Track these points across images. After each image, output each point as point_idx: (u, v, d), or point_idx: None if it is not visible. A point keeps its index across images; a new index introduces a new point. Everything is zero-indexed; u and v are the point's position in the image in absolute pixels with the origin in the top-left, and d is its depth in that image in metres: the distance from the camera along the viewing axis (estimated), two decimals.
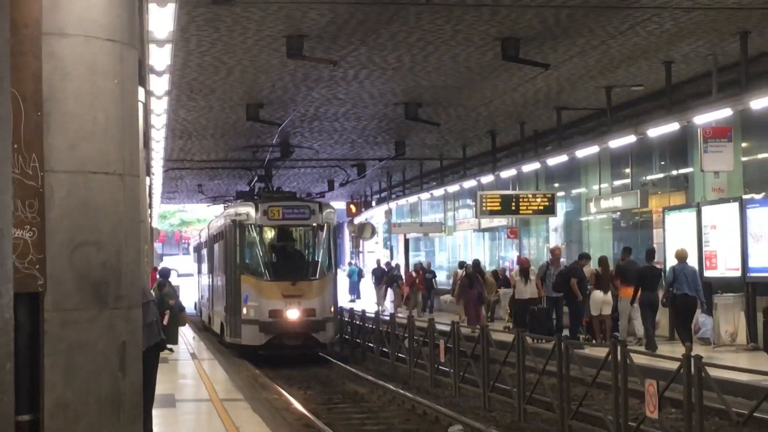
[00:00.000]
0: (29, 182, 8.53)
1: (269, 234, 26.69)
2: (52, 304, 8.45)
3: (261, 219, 25.68)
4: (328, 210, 27.58)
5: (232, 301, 26.86)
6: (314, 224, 26.61)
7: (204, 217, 62.73)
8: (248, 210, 26.30)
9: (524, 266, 28.96)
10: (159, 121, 24.26)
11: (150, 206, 32.06)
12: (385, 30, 18.40)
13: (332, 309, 26.76)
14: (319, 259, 26.43)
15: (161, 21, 13.92)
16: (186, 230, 72.80)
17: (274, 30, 18.05)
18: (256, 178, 34.17)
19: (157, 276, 27.43)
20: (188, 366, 22.22)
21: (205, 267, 39.74)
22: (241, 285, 25.64)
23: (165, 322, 24.72)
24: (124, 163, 9.07)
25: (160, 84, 19.14)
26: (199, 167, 39.35)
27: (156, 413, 13.14)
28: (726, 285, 22.78)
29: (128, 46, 9.20)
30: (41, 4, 8.61)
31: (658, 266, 24.13)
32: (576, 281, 24.29)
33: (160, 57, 16.28)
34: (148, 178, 27.50)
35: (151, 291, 23.69)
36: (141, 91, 14.69)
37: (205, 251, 39.81)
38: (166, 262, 49.54)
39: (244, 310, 25.08)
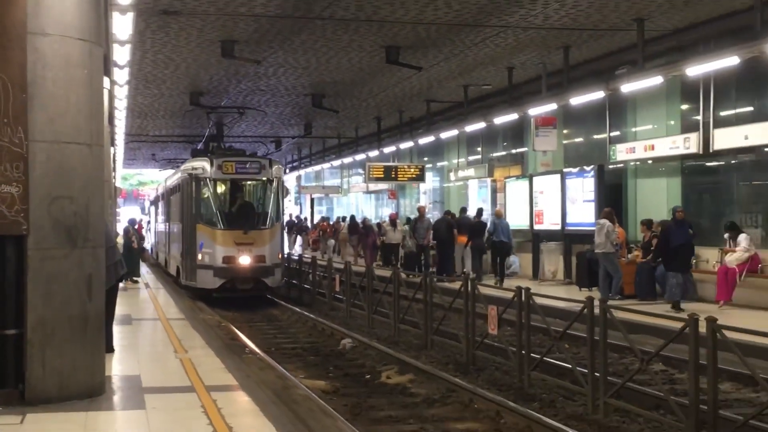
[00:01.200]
0: (16, 149, 8.45)
1: (223, 187, 22.54)
2: (33, 244, 8.45)
3: (216, 173, 21.85)
4: (277, 166, 23.45)
5: (188, 247, 22.93)
6: (264, 179, 22.62)
7: (156, 179, 61.71)
8: (204, 165, 22.39)
9: (392, 218, 29.62)
10: (121, 104, 24.23)
11: (114, 170, 31.82)
12: (297, 38, 18.33)
13: (280, 256, 22.85)
14: (269, 211, 22.41)
15: (123, 26, 13.72)
16: (142, 189, 71.94)
17: (211, 35, 17.86)
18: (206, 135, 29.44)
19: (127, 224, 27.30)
20: (143, 294, 21.95)
21: (161, 217, 34.57)
22: (197, 233, 21.89)
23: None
24: (91, 135, 8.98)
25: (122, 75, 18.94)
26: (152, 140, 38.81)
27: (116, 329, 12.96)
28: (550, 236, 23.18)
29: (96, 45, 9.07)
30: (26, 10, 8.48)
31: (484, 221, 25.12)
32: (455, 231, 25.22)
33: (122, 54, 16.09)
34: (112, 148, 27.17)
35: (119, 235, 23.61)
36: (106, 80, 14.44)
37: (161, 203, 34.73)
38: (128, 213, 49.23)
39: (199, 257, 21.47)
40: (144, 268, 30.09)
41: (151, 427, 7.75)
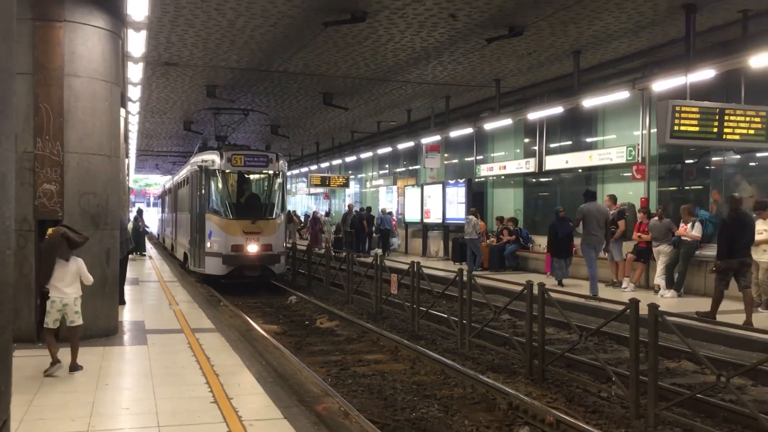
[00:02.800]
0: (55, 158, 8.25)
1: (232, 179, 17.93)
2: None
3: (225, 165, 17.42)
4: (282, 161, 18.68)
5: (197, 236, 18.28)
6: (271, 172, 17.98)
7: (158, 182, 60.30)
8: (213, 157, 17.96)
9: (326, 213, 29.58)
10: (134, 128, 23.56)
11: (128, 175, 30.98)
12: (261, 85, 18.08)
13: (284, 245, 18.39)
14: (275, 202, 17.87)
15: (135, 72, 13.32)
16: (148, 189, 70.29)
17: (199, 81, 17.51)
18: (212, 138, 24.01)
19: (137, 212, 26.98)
20: (148, 263, 21.41)
21: (169, 207, 28.40)
22: (206, 223, 17.53)
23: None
24: (110, 149, 8.77)
25: (134, 107, 18.44)
26: (156, 155, 37.86)
27: (127, 288, 12.65)
28: (434, 226, 23.39)
29: (115, 84, 8.84)
30: (64, 58, 8.22)
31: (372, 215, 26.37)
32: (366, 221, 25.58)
33: (134, 92, 15.65)
34: (126, 159, 26.48)
35: (129, 220, 23.07)
36: (123, 110, 14.06)
37: (169, 196, 28.64)
38: (137, 206, 48.44)
39: (208, 244, 17.18)
40: (148, 245, 29.36)
41: (150, 357, 7.59)
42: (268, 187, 18.04)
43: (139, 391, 6.19)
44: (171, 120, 24.63)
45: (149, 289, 14.44)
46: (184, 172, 21.97)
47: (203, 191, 17.44)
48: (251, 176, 18.07)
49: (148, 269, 19.50)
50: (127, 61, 12.10)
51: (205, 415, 5.46)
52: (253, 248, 16.56)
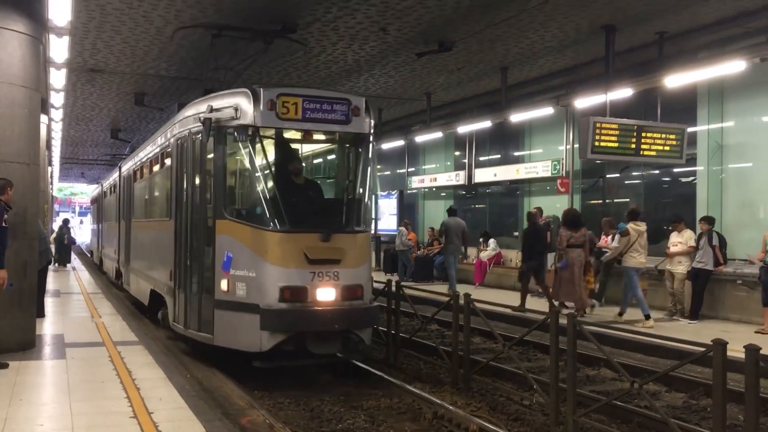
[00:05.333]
0: None
1: (279, 147, 8.22)
2: None
3: (265, 117, 7.63)
4: (372, 115, 8.89)
5: (188, 263, 8.54)
6: (355, 132, 8.42)
7: (84, 191, 58.40)
8: (238, 102, 7.82)
9: None
10: (57, 135, 22.88)
11: (51, 183, 30.08)
12: (192, 94, 17.64)
13: (372, 284, 8.46)
14: (363, 198, 8.31)
15: (58, 78, 12.94)
16: (74, 198, 68.09)
17: (127, 89, 17.09)
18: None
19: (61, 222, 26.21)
20: (71, 275, 20.70)
21: (111, 214, 18.91)
22: (218, 238, 7.83)
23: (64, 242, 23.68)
24: (29, 156, 8.49)
25: (57, 114, 17.88)
26: (81, 163, 36.67)
27: (48, 300, 12.21)
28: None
29: (35, 91, 8.57)
30: None
31: None
32: None
33: (57, 98, 15.19)
34: (49, 167, 25.84)
35: (50, 231, 22.28)
36: (45, 117, 13.64)
37: (112, 197, 19.30)
38: (63, 216, 47.02)
39: (224, 284, 7.64)
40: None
41: (69, 371, 7.33)
42: (350, 168, 8.67)
43: (55, 407, 5.98)
44: (97, 127, 23.95)
45: (72, 301, 13.96)
46: (147, 152, 12.65)
47: (210, 175, 8.31)
48: (316, 144, 9.09)
49: (71, 281, 18.87)
50: (49, 67, 11.74)
51: (122, 430, 5.32)
52: (328, 294, 7.63)
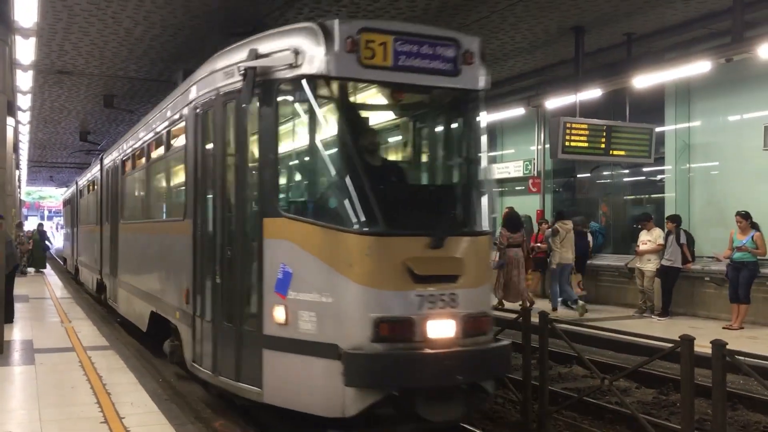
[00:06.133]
0: None
1: (362, 111, 5.54)
2: None
3: (343, 63, 4.70)
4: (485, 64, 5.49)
5: (218, 281, 5.69)
6: (469, 89, 5.51)
7: (53, 194, 57.53)
8: (298, 43, 4.88)
9: None
10: (24, 138, 22.56)
11: (19, 187, 29.70)
12: (162, 96, 17.50)
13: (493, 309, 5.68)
14: (482, 185, 5.43)
15: (25, 80, 12.76)
16: (42, 202, 67.19)
17: (96, 90, 16.90)
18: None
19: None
20: (40, 280, 20.37)
21: (91, 216, 16.03)
22: (268, 244, 4.99)
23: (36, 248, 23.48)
24: None
25: (25, 116, 17.65)
26: (50, 166, 36.10)
27: (18, 305, 12.00)
28: None
29: (0, 93, 8.38)
30: None
31: None
32: None
33: (24, 101, 14.99)
34: (17, 171, 25.51)
35: (21, 236, 21.94)
36: (11, 119, 13.42)
37: (91, 195, 16.79)
38: (32, 221, 46.36)
39: (279, 313, 4.86)
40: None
41: (38, 377, 7.22)
42: (462, 141, 6.02)
43: (23, 413, 5.89)
44: (66, 130, 23.63)
45: (41, 306, 13.73)
46: (143, 134, 10.32)
47: (254, 153, 5.54)
48: (416, 105, 6.14)
49: (42, 286, 18.58)
50: (15, 69, 11.56)
51: None
52: (444, 328, 5.01)
